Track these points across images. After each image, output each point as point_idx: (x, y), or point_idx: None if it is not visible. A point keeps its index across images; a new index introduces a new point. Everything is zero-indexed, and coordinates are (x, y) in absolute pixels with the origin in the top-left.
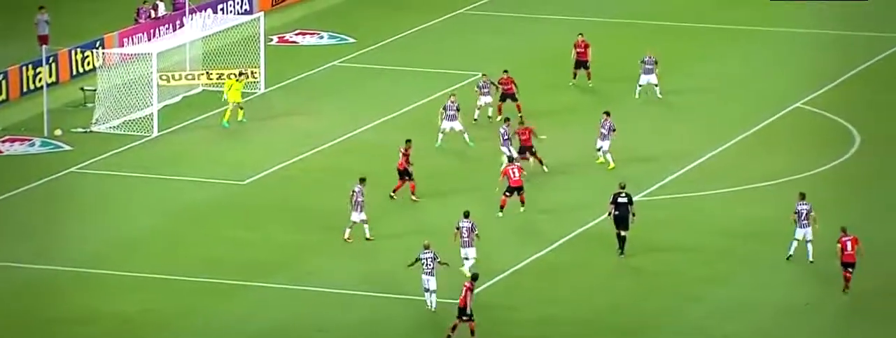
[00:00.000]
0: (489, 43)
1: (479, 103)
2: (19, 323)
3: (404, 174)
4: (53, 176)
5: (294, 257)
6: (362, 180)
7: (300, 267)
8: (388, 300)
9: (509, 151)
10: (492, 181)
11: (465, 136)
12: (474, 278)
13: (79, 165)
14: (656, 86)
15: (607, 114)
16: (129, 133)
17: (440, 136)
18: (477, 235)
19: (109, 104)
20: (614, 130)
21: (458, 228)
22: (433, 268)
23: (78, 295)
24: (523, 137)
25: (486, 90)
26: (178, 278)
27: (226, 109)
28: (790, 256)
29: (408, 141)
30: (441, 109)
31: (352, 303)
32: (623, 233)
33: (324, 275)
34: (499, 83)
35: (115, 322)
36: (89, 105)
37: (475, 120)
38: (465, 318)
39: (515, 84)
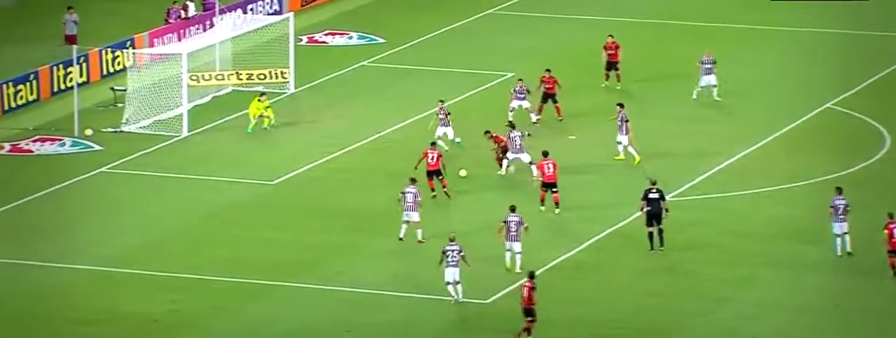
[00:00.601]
0: (518, 43)
1: (512, 106)
2: (47, 323)
3: (434, 174)
4: (83, 176)
5: (322, 257)
6: (413, 181)
7: (328, 267)
8: (417, 300)
9: (524, 156)
10: (505, 182)
11: (457, 140)
12: (531, 275)
13: (109, 165)
14: (714, 87)
15: (621, 106)
16: (159, 133)
17: (438, 142)
18: (526, 227)
19: (139, 104)
20: (628, 122)
21: (505, 223)
22: (457, 260)
23: (105, 295)
24: (501, 143)
25: (520, 95)
26: (206, 277)
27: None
28: (840, 255)
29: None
30: (436, 116)
31: (380, 303)
32: (658, 227)
33: (352, 275)
34: (541, 81)
35: (142, 322)
36: (119, 105)
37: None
38: (530, 318)
39: (558, 84)
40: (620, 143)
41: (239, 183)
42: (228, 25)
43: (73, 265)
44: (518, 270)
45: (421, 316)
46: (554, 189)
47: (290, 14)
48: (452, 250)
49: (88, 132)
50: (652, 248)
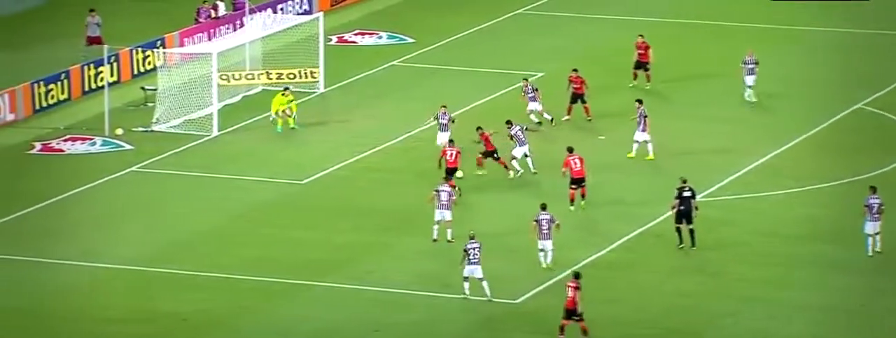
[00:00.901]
0: (546, 43)
1: (528, 109)
2: (77, 321)
3: (453, 172)
4: (114, 175)
5: (351, 256)
6: (447, 179)
7: (357, 267)
8: (446, 300)
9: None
10: (527, 182)
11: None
12: (577, 275)
13: (139, 165)
14: (751, 87)
15: (640, 102)
16: (189, 133)
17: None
18: (558, 225)
19: (170, 104)
20: (647, 117)
21: (536, 221)
22: (479, 257)
23: (135, 294)
24: (488, 144)
25: (530, 96)
26: (235, 277)
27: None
28: (870, 255)
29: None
30: (433, 119)
31: (408, 303)
32: (689, 226)
33: (381, 275)
34: (569, 81)
35: (172, 321)
36: (150, 104)
37: (538, 123)
38: (575, 318)
39: (585, 84)
40: (636, 141)
41: (268, 182)
42: (258, 25)
43: (103, 264)
44: (548, 264)
45: (449, 316)
46: (582, 184)
47: (320, 14)
48: (473, 248)
49: (119, 132)
50: (681, 242)
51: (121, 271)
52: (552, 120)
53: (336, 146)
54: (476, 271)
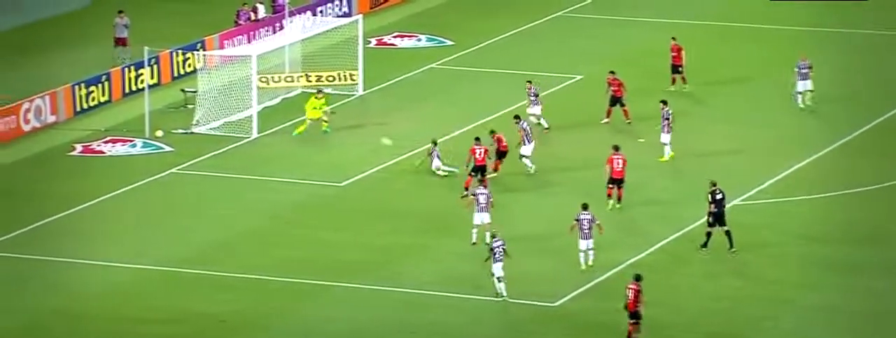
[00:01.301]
0: (586, 45)
1: (528, 112)
2: (117, 322)
3: (481, 170)
4: (154, 177)
5: (388, 258)
6: (482, 181)
7: (393, 269)
8: (482, 303)
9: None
10: (560, 182)
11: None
12: (638, 278)
13: (179, 166)
14: (811, 92)
15: (664, 103)
16: (229, 135)
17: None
18: (599, 226)
19: (209, 106)
20: (668, 120)
21: (577, 221)
22: (502, 256)
23: (173, 295)
24: (501, 144)
25: (533, 100)
26: (271, 278)
27: (303, 121)
28: None
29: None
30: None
31: (444, 305)
32: (724, 228)
33: (415, 277)
34: (607, 84)
35: (210, 322)
36: (190, 106)
37: (547, 128)
38: (632, 321)
39: (624, 87)
40: (666, 144)
41: (306, 184)
42: (298, 27)
43: (142, 265)
44: (589, 264)
45: (485, 318)
46: (621, 185)
47: (360, 16)
48: (498, 246)
49: (159, 133)
50: (706, 246)
51: (159, 272)
52: (548, 127)
53: (374, 148)
54: (497, 269)
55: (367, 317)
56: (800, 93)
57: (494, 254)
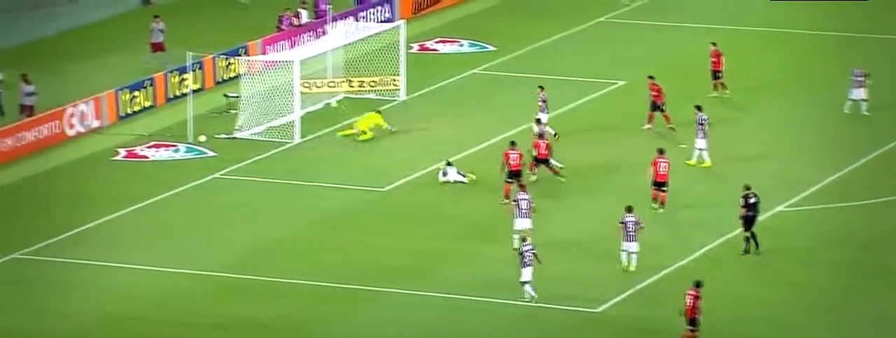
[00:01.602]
0: (628, 51)
1: (538, 117)
2: (160, 328)
3: (516, 175)
4: (197, 182)
5: (430, 264)
6: (523, 187)
7: (435, 274)
8: (523, 308)
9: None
10: (592, 186)
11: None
12: (698, 284)
13: (222, 171)
14: (865, 101)
15: (699, 108)
16: (272, 140)
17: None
18: (642, 227)
19: (252, 111)
20: (702, 125)
21: (622, 223)
22: (532, 261)
23: (217, 300)
24: (540, 150)
25: (542, 106)
26: (315, 283)
27: (351, 126)
28: None
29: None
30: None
31: (485, 310)
32: (751, 231)
33: (458, 282)
34: (650, 89)
35: (253, 328)
36: (232, 111)
37: (555, 134)
38: (690, 328)
39: (662, 92)
40: (699, 149)
41: (349, 190)
42: (340, 33)
43: (187, 270)
44: (632, 267)
45: (528, 324)
46: (664, 188)
47: (402, 22)
48: (527, 250)
49: (202, 138)
50: (747, 251)
51: (203, 277)
52: (556, 134)
53: (416, 154)
54: (526, 274)
55: (410, 322)
56: (853, 101)
57: (524, 258)
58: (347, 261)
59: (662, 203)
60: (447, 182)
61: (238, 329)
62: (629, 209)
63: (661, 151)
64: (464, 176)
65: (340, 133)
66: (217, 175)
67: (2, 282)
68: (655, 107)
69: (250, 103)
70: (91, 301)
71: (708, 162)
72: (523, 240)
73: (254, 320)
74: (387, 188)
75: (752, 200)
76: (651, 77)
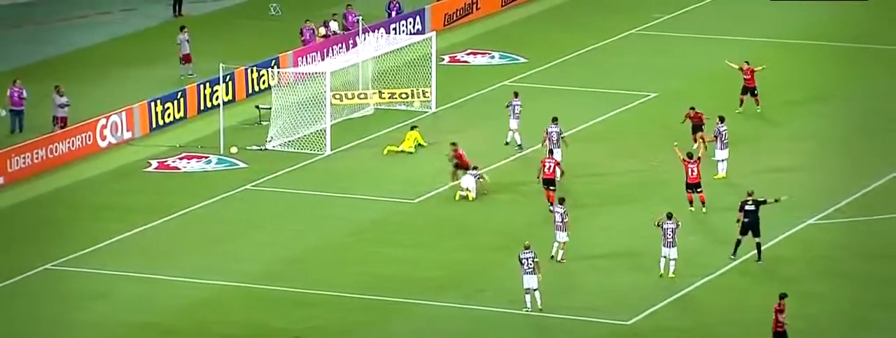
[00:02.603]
0: (660, 63)
1: (511, 126)
2: (202, 337)
3: (550, 183)
4: (229, 193)
5: (462, 275)
6: (562, 200)
7: (468, 286)
8: (557, 321)
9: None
10: (625, 197)
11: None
12: (783, 296)
13: (253, 183)
14: None
15: (722, 119)
16: (303, 151)
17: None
18: (679, 225)
19: (283, 122)
20: (718, 137)
21: (662, 229)
22: (533, 268)
23: (249, 310)
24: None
25: (515, 113)
26: (346, 295)
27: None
28: None
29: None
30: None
31: (517, 322)
32: (756, 239)
33: (493, 293)
34: (688, 117)
35: None
36: (264, 123)
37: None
38: None
39: (703, 119)
40: (719, 160)
41: (380, 201)
42: (371, 45)
43: (219, 281)
44: (670, 275)
45: (558, 335)
46: (699, 190)
47: (433, 33)
48: (527, 258)
49: (234, 150)
50: (734, 254)
51: (235, 288)
52: (520, 145)
53: (447, 165)
54: (531, 282)
55: (441, 334)
56: None
57: (524, 265)
58: (379, 271)
59: (703, 203)
60: (468, 190)
61: None
62: (669, 216)
63: (689, 155)
64: (478, 178)
65: (388, 150)
66: (248, 186)
67: (35, 293)
68: (695, 130)
69: (281, 115)
70: (132, 311)
71: (722, 174)
72: (526, 247)
73: (286, 330)
74: (418, 200)
75: (748, 207)
76: (693, 108)
